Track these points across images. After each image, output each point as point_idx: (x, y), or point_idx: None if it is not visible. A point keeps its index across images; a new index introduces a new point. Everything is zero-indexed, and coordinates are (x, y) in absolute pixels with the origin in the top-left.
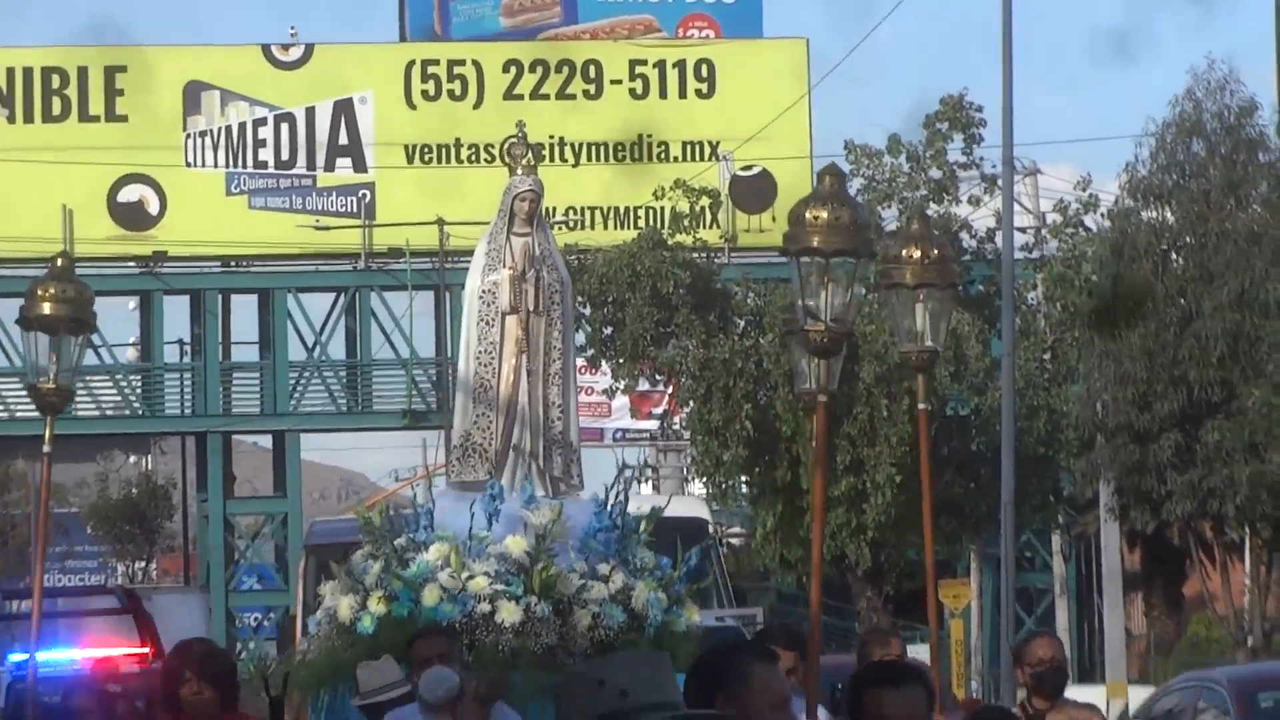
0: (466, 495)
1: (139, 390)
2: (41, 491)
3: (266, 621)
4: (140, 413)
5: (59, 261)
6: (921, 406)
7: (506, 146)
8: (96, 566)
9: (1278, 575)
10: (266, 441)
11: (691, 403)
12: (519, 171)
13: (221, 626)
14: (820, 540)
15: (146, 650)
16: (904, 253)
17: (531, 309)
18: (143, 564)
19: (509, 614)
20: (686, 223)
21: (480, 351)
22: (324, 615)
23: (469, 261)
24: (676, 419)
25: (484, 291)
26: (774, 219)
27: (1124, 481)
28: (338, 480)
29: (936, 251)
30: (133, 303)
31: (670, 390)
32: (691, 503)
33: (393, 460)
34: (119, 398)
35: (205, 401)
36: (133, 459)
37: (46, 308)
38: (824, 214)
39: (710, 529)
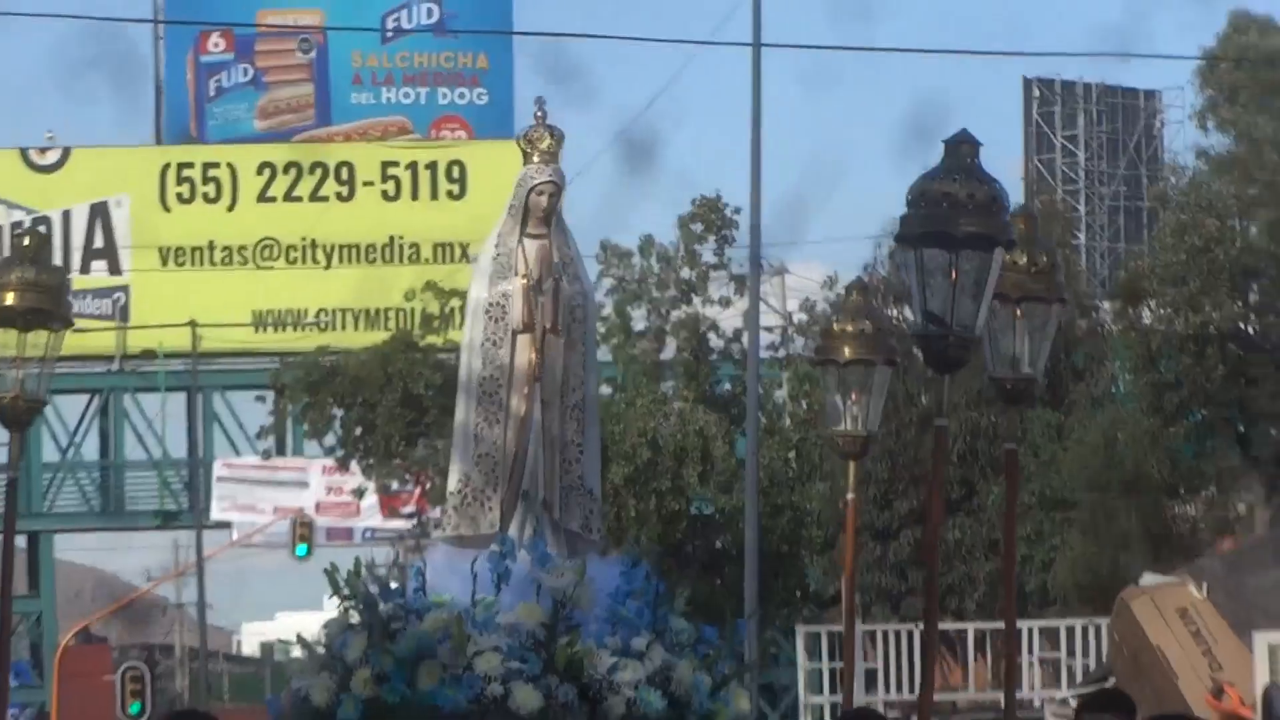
0: (465, 553)
1: None
2: (5, 525)
3: None
4: None
5: (27, 241)
6: (1008, 447)
7: (524, 131)
8: None
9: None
10: (21, 542)
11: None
12: (535, 159)
13: None
14: (935, 593)
15: None
16: (1005, 258)
17: (548, 326)
18: None
19: (526, 699)
20: (437, 324)
21: (485, 378)
22: (291, 700)
23: (221, 364)
24: (429, 517)
25: (491, 305)
26: None
27: (864, 579)
28: (93, 580)
29: (1045, 259)
30: None
31: (420, 490)
32: None
33: (146, 560)
34: None
35: None
36: None
37: (10, 298)
38: (956, 191)
39: None
